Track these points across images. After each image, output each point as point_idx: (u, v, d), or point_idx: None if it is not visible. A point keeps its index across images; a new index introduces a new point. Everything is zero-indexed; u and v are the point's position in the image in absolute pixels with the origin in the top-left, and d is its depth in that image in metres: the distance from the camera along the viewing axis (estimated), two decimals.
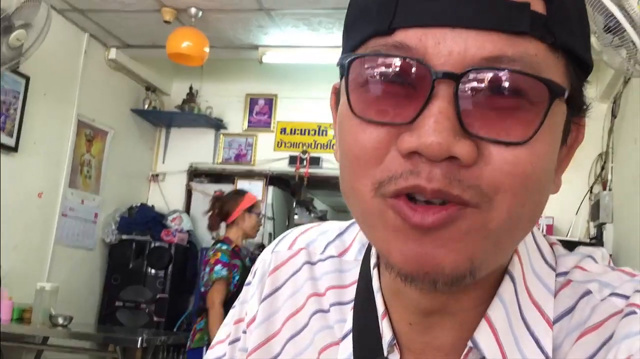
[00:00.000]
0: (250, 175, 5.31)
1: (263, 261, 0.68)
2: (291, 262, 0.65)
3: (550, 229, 4.09)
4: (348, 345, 0.56)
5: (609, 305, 0.50)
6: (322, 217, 8.36)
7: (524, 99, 0.42)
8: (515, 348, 0.50)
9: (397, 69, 0.43)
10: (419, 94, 0.42)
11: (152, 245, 4.89)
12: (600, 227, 4.15)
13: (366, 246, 0.61)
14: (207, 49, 4.13)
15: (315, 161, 5.13)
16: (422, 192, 0.42)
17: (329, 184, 5.13)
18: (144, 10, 4.13)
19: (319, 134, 5.21)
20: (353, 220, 0.63)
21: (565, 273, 0.54)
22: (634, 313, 0.48)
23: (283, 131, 5.30)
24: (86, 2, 4.10)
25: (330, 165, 5.09)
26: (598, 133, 4.29)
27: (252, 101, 5.38)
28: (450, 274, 0.44)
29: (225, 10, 4.09)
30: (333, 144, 4.62)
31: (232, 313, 0.70)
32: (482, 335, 0.50)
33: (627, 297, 0.50)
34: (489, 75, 0.42)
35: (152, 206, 5.29)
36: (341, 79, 0.48)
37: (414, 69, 0.42)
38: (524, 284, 0.52)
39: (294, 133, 5.26)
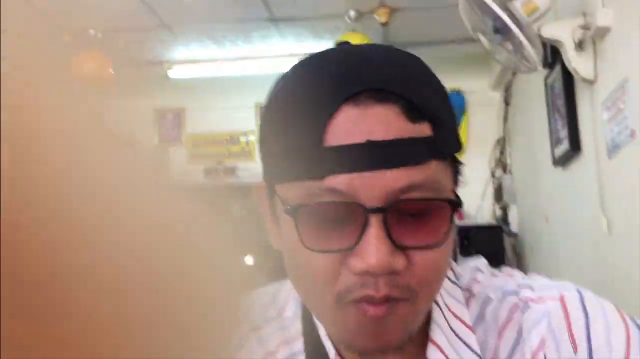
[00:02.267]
0: None
1: None
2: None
3: (460, 215, 4.35)
4: None
5: (506, 303, 0.66)
6: None
7: (434, 214, 0.56)
8: (456, 356, 0.64)
9: (337, 210, 0.55)
10: (357, 225, 0.54)
11: None
12: (504, 209, 4.46)
13: (301, 303, 0.71)
14: (111, 70, 4.09)
15: (231, 171, 5.17)
16: (372, 299, 0.55)
17: (245, 192, 5.17)
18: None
19: (231, 143, 5.25)
20: (280, 282, 0.74)
21: (468, 288, 0.69)
22: (528, 306, 0.65)
23: (195, 143, 5.30)
24: None
25: (245, 174, 5.15)
26: (495, 120, 4.60)
27: (161, 116, 5.34)
28: (396, 345, 0.59)
29: (126, 29, 4.07)
30: (247, 151, 4.65)
31: None
32: (432, 353, 0.64)
33: (516, 293, 0.67)
34: (406, 203, 0.55)
35: None
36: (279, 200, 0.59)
37: (350, 208, 0.54)
38: (445, 304, 0.66)
39: (206, 145, 5.27)
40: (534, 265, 4.08)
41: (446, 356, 0.63)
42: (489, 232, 4.08)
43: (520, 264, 4.40)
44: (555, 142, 3.24)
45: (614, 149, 2.47)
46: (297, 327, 0.70)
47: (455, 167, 0.60)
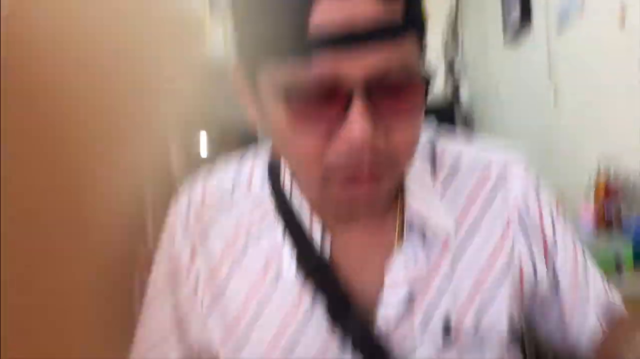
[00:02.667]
0: None
1: (180, 213, 0.76)
2: (210, 207, 0.76)
3: None
4: (286, 246, 0.71)
5: (481, 160, 0.76)
6: None
7: (410, 92, 0.60)
8: (427, 212, 0.72)
9: (323, 91, 0.57)
10: (341, 104, 0.57)
11: None
12: (456, 87, 4.57)
13: (266, 177, 0.75)
14: None
15: None
16: (356, 178, 0.60)
17: None
18: None
19: None
20: (236, 157, 0.79)
21: (439, 142, 0.77)
22: (506, 164, 0.76)
23: None
24: None
25: None
26: (447, 1, 4.58)
27: None
28: (379, 214, 0.69)
29: None
30: None
31: (158, 269, 0.76)
32: (408, 212, 0.71)
33: (490, 151, 0.77)
34: (385, 82, 0.57)
35: None
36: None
37: (335, 89, 0.56)
38: (415, 166, 0.72)
39: None
40: (483, 136, 4.26)
41: (419, 204, 0.71)
42: (441, 106, 4.19)
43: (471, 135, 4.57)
44: (507, 15, 3.30)
45: (563, 21, 2.56)
46: (266, 198, 0.74)
47: (422, 47, 0.63)
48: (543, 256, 0.75)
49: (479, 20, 4.08)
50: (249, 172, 0.77)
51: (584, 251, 0.79)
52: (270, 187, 0.74)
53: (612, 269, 1.66)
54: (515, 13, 3.10)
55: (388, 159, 0.60)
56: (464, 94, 4.51)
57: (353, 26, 0.55)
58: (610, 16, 2.09)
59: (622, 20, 2.02)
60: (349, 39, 0.55)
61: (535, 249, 0.75)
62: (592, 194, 2.13)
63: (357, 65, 0.56)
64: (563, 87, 2.67)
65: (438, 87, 4.81)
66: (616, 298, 0.79)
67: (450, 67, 4.60)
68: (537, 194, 0.76)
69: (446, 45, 4.75)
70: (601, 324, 0.76)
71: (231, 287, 0.73)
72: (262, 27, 0.58)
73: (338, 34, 0.55)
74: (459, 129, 4.42)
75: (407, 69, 0.59)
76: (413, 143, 0.63)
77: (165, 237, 0.78)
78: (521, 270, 0.74)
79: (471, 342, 0.70)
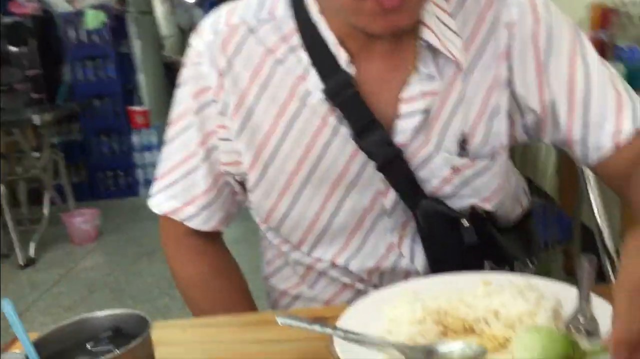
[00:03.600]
0: None
1: (206, 42, 0.81)
2: (235, 35, 0.80)
3: None
4: (313, 73, 0.77)
5: None
6: None
7: None
8: (441, 35, 0.76)
9: None
10: None
11: (4, 21, 4.56)
12: None
13: (291, 3, 0.79)
14: None
15: None
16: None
17: None
18: None
19: None
20: None
21: None
22: None
23: None
24: None
25: None
26: None
27: None
28: (407, 29, 0.72)
29: None
30: None
31: (183, 92, 0.83)
32: (425, 33, 0.76)
33: None
34: None
35: None
36: None
37: None
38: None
39: None
40: None
41: (435, 34, 0.76)
42: None
43: None
44: None
45: None
46: (290, 25, 0.79)
47: None
48: (536, 80, 0.79)
49: None
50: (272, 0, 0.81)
51: (599, 68, 0.79)
52: (294, 14, 0.79)
53: None
54: None
55: None
56: None
57: None
58: None
59: None
60: None
61: (529, 79, 0.79)
62: (588, 22, 2.13)
63: None
64: None
65: None
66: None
67: None
68: (537, 13, 0.79)
69: None
70: (615, 141, 0.78)
71: (260, 110, 0.80)
72: None
73: None
74: None
75: None
76: None
77: (189, 62, 0.83)
78: (515, 94, 0.79)
79: (480, 151, 0.79)
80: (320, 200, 0.80)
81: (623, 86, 0.79)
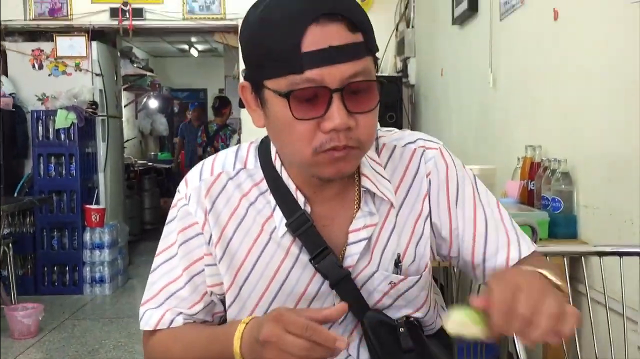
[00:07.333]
0: (69, 31, 5.11)
1: (194, 187, 1.01)
2: (218, 182, 1.01)
3: None
4: (278, 212, 0.98)
5: (408, 149, 1.05)
6: (145, 67, 8.26)
7: (370, 91, 0.88)
8: (377, 182, 1.00)
9: (313, 92, 0.84)
10: (325, 101, 0.85)
11: None
12: (405, 61, 4.77)
13: (258, 157, 1.01)
14: None
15: (139, 13, 5.06)
16: (337, 147, 0.87)
17: (153, 35, 5.08)
18: None
19: None
20: (236, 146, 1.05)
21: (381, 139, 1.06)
22: (424, 150, 1.04)
23: None
24: None
25: (154, 16, 5.07)
26: None
27: None
28: (348, 174, 0.94)
29: None
30: None
31: (171, 228, 1.02)
32: (364, 181, 1.00)
33: (413, 142, 1.05)
34: (354, 85, 0.85)
35: None
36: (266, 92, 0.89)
37: (321, 90, 0.84)
38: (367, 153, 1.00)
39: None
40: (427, 113, 4.50)
41: (371, 181, 1.00)
42: (389, 83, 4.38)
43: (415, 111, 4.82)
44: (456, 2, 3.50)
45: (506, 11, 2.77)
46: (260, 174, 1.01)
47: (375, 62, 0.91)
48: (447, 214, 1.03)
49: (430, 1, 4.25)
50: (246, 153, 1.04)
51: (493, 210, 1.05)
52: (262, 166, 1.00)
53: (528, 236, 1.89)
54: (464, 4, 3.29)
55: (356, 137, 0.88)
56: (412, 71, 4.70)
57: (331, 50, 0.83)
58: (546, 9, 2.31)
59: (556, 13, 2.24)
60: (329, 56, 0.83)
61: (442, 214, 1.03)
62: (519, 171, 2.40)
63: (335, 74, 0.84)
64: (500, 70, 2.89)
65: (388, 64, 5.00)
66: (524, 246, 1.04)
67: (401, 45, 4.78)
68: (447, 167, 1.04)
69: (398, 22, 4.92)
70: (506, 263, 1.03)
71: (236, 241, 0.99)
72: (266, 52, 0.85)
73: (322, 53, 0.83)
74: (404, 105, 4.62)
75: (367, 76, 0.87)
76: (372, 126, 0.91)
77: (179, 203, 1.02)
78: (432, 224, 1.04)
79: (410, 269, 1.01)
80: None
81: (510, 223, 1.05)
